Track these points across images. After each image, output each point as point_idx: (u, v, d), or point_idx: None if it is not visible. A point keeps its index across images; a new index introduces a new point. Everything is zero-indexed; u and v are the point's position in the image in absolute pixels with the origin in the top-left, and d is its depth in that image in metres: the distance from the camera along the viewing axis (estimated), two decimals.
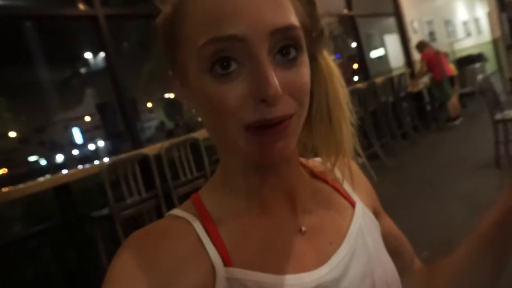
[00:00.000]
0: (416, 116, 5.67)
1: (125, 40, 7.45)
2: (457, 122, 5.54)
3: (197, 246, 0.43)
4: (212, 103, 0.39)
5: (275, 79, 0.37)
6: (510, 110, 3.49)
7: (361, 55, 6.22)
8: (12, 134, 7.18)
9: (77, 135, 8.73)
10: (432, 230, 2.28)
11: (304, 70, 0.41)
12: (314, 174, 0.55)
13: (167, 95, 10.01)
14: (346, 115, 0.50)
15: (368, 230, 0.52)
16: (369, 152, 4.37)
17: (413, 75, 6.17)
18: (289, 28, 0.39)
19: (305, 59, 0.42)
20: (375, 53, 7.44)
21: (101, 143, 8.81)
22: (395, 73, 5.73)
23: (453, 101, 5.60)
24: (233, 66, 0.38)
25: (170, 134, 6.48)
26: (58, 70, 7.93)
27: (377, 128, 4.81)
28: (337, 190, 0.55)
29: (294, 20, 0.40)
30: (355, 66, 6.43)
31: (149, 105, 10.34)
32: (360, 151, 0.53)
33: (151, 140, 6.21)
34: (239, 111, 0.38)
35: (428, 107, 6.12)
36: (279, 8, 0.39)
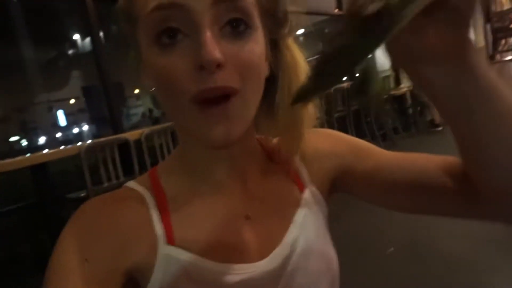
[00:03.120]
0: (397, 119, 5.79)
1: (114, 24, 7.37)
2: (440, 128, 5.66)
3: (146, 218, 0.44)
4: (160, 76, 0.39)
5: (213, 44, 0.36)
6: None
7: None
8: None
9: (61, 118, 8.60)
10: (400, 228, 2.37)
11: (254, 47, 0.40)
12: (270, 156, 0.54)
13: None
14: (310, 111, 0.48)
15: (312, 219, 0.52)
16: None
17: (397, 78, 6.29)
18: None
19: (257, 36, 0.40)
20: None
21: (85, 127, 8.71)
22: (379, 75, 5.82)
23: None
24: (179, 36, 0.38)
25: (156, 122, 6.42)
26: (43, 50, 7.76)
27: (358, 128, 4.91)
28: (289, 174, 0.53)
29: None
30: None
31: (137, 91, 10.23)
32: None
33: (136, 127, 6.17)
34: (185, 84, 0.37)
35: (410, 111, 6.23)
36: None
